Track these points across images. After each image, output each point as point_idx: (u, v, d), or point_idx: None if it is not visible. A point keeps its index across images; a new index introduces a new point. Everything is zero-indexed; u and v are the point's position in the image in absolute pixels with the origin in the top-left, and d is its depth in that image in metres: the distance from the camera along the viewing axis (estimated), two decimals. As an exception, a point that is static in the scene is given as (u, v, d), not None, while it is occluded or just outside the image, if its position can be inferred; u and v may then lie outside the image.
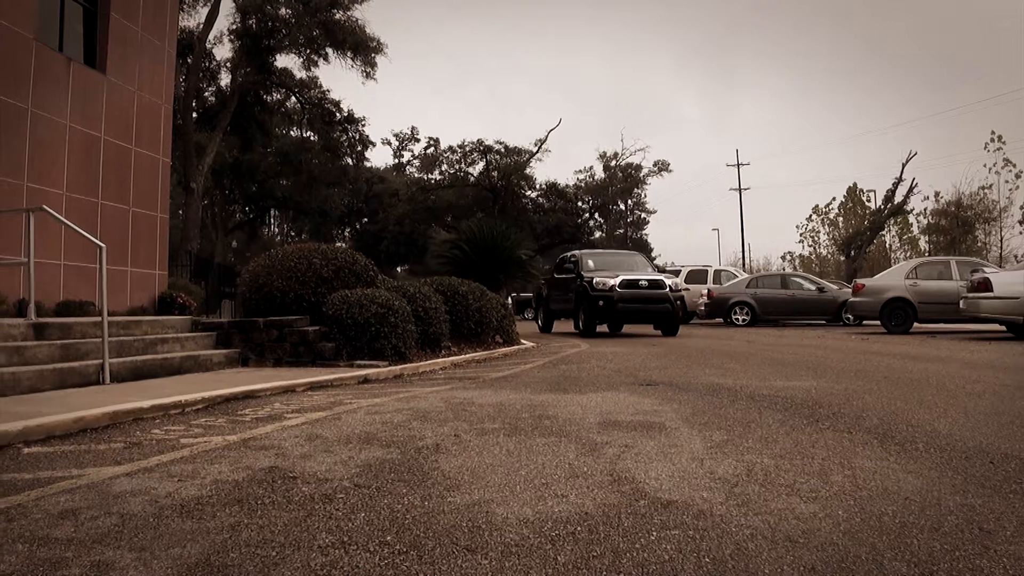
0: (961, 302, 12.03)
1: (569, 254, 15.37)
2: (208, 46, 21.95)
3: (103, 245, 5.89)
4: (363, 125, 26.90)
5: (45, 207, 6.31)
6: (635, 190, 41.28)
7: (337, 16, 21.01)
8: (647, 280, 12.47)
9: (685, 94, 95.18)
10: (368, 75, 22.41)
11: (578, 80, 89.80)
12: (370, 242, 37.81)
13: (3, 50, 7.52)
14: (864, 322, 16.35)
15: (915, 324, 13.74)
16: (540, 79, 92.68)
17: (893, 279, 14.15)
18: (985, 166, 39.28)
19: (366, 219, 42.16)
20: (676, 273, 14.27)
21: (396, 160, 43.56)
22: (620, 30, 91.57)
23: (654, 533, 2.04)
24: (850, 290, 17.23)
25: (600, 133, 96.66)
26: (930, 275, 13.85)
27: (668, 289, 12.40)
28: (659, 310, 12.45)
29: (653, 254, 40.30)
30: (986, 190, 37.26)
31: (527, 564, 1.82)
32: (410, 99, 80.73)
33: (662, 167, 41.20)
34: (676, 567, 1.81)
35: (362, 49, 21.21)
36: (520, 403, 4.53)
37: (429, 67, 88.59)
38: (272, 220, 44.46)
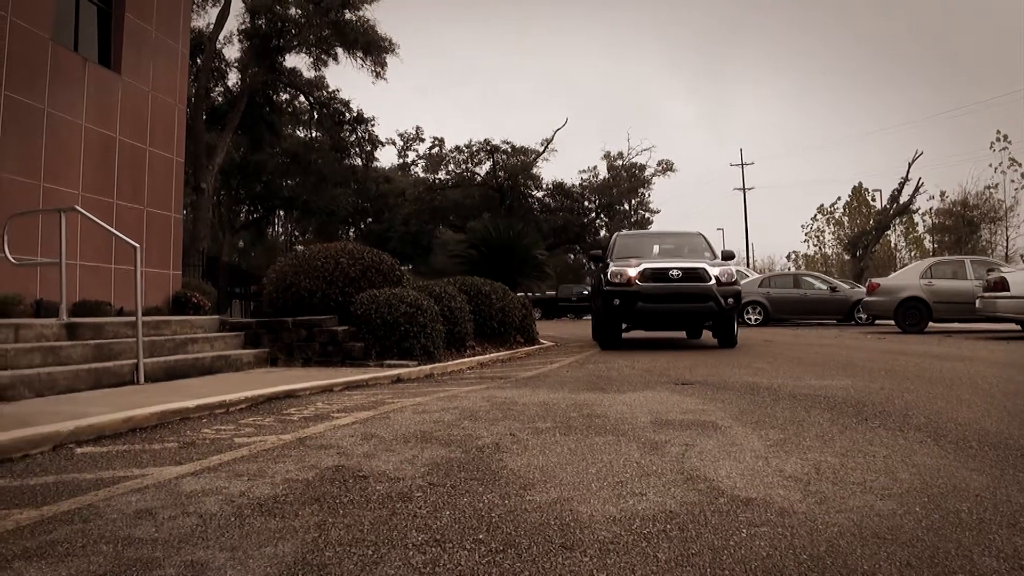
0: (977, 301, 12.02)
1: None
2: (218, 46, 21.96)
3: (137, 245, 5.92)
4: (372, 125, 27.00)
5: (78, 207, 6.34)
6: (640, 190, 41.27)
7: (348, 16, 21.04)
8: (680, 269, 9.27)
9: (686, 94, 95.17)
10: (378, 75, 22.49)
11: (578, 80, 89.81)
12: (376, 242, 37.80)
13: (20, 50, 7.56)
14: (876, 321, 16.34)
15: (929, 323, 13.74)
16: (541, 79, 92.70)
17: (908, 279, 14.15)
18: (991, 166, 39.32)
19: (370, 219, 42.20)
20: (729, 258, 10.36)
21: (401, 160, 43.63)
22: (622, 30, 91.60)
23: (744, 531, 2.05)
24: (862, 289, 17.26)
25: (601, 134, 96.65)
26: (944, 275, 13.84)
27: (714, 281, 9.18)
28: (698, 310, 9.31)
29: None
30: (992, 190, 37.30)
31: (629, 562, 1.82)
32: (410, 99, 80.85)
33: (666, 167, 41.21)
34: (777, 564, 1.81)
35: (374, 49, 21.24)
36: (564, 402, 4.54)
37: (429, 67, 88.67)
38: (277, 220, 44.49)
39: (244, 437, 3.59)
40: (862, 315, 16.30)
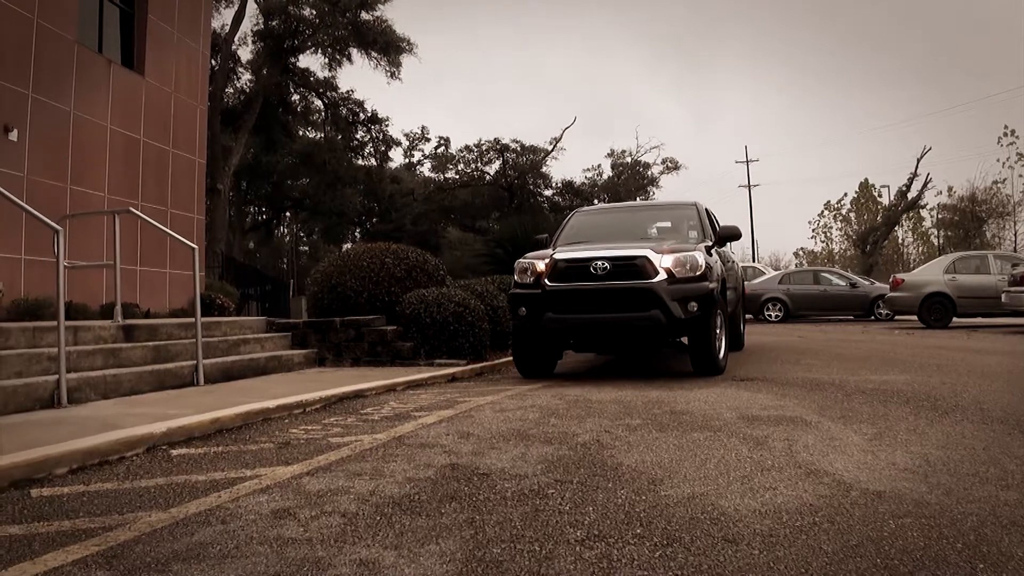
0: (1003, 296, 12.04)
1: None
2: (232, 48, 21.99)
3: (195, 247, 5.98)
4: (386, 125, 27.00)
5: (132, 209, 6.40)
6: (649, 188, 41.20)
7: (363, 16, 21.05)
8: (609, 259, 5.82)
9: (689, 94, 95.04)
10: (393, 75, 22.49)
11: (575, 80, 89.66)
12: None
13: (46, 53, 7.60)
14: (896, 317, 16.36)
15: (953, 319, 13.75)
16: (533, 78, 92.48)
17: (932, 274, 14.15)
18: (998, 160, 39.27)
19: (376, 219, 42.17)
20: (730, 238, 7.24)
21: (407, 160, 43.60)
22: (621, 29, 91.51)
23: (891, 522, 2.09)
24: (880, 285, 17.28)
25: (601, 132, 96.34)
26: (968, 269, 13.84)
27: (662, 276, 5.67)
28: (634, 322, 5.73)
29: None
30: (999, 184, 37.22)
31: (798, 554, 1.87)
32: (404, 99, 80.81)
33: (672, 165, 41.12)
34: (939, 553, 1.86)
35: (392, 49, 21.27)
36: (638, 399, 4.58)
37: (421, 67, 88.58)
38: (284, 221, 44.48)
39: (337, 437, 3.63)
40: (882, 310, 16.33)
